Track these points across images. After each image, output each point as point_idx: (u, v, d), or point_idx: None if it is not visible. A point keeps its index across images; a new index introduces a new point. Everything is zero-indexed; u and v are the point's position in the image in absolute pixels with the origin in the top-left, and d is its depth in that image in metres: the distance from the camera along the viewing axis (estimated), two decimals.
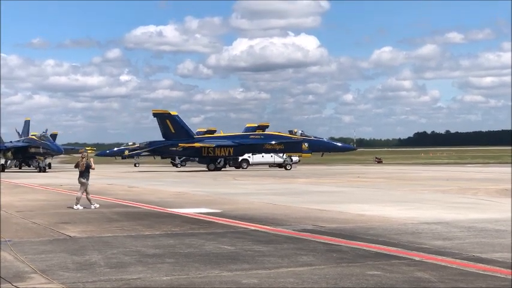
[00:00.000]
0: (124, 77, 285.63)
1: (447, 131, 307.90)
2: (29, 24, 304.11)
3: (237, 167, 72.99)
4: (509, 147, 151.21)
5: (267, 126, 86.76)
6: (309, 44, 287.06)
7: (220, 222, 18.48)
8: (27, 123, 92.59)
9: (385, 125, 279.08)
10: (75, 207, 23.20)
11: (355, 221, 18.34)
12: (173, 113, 70.08)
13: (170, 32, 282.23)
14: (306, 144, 67.68)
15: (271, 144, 67.97)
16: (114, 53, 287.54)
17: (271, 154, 72.58)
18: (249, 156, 73.51)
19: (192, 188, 35.88)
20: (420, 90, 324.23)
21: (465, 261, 11.75)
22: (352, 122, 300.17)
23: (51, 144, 69.80)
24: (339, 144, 74.15)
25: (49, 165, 75.92)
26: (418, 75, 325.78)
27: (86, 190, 23.81)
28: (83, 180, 24.00)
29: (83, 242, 14.64)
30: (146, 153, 77.17)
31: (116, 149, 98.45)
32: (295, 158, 74.49)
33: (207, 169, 67.87)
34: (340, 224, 17.58)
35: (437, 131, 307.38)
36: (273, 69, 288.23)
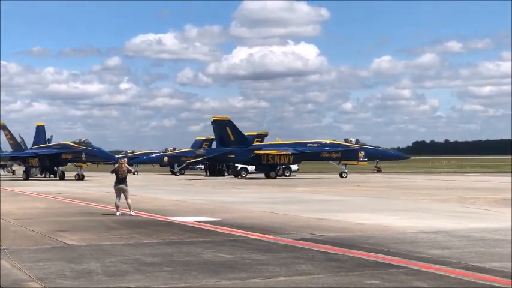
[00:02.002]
0: (124, 85, 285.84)
1: (446, 140, 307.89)
2: (29, 32, 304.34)
3: (235, 175, 72.93)
4: (509, 157, 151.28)
5: (266, 135, 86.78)
6: (309, 53, 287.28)
7: (218, 230, 18.45)
8: (41, 130, 79.81)
9: (385, 133, 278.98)
10: (117, 213, 23.46)
11: (353, 230, 18.31)
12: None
13: (170, 40, 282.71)
14: (363, 153, 67.98)
15: (329, 152, 68.10)
16: (113, 61, 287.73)
17: None
18: (248, 165, 73.46)
19: (190, 196, 35.85)
20: (419, 99, 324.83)
21: (464, 270, 11.72)
22: (352, 130, 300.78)
23: (96, 150, 66.48)
24: (393, 152, 74.67)
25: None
26: (418, 84, 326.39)
27: (126, 195, 23.95)
28: (125, 187, 24.11)
29: (81, 250, 14.61)
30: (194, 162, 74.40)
31: (154, 155, 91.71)
32: (294, 167, 74.54)
33: (265, 177, 66.76)
34: (339, 233, 17.55)
35: (436, 140, 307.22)
36: (273, 77, 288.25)
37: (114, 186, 24.40)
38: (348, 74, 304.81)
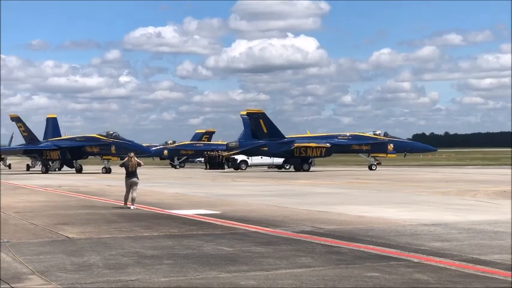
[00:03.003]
0: (123, 78, 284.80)
1: (446, 133, 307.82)
2: (29, 25, 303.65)
3: (235, 168, 72.96)
4: (509, 149, 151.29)
5: None
6: (309, 46, 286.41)
7: (219, 223, 18.47)
8: (52, 121, 76.11)
9: (384, 126, 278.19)
10: (132, 207, 23.32)
11: (354, 223, 18.33)
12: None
13: (169, 33, 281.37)
14: (392, 145, 68.02)
15: (359, 145, 68.08)
16: (113, 54, 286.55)
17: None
18: (248, 158, 73.48)
19: (190, 189, 35.87)
20: (419, 91, 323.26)
21: (464, 262, 11.74)
22: (351, 123, 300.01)
23: (129, 143, 63.99)
24: (421, 145, 74.61)
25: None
26: (417, 77, 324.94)
27: (134, 189, 23.79)
28: (136, 180, 24.00)
29: (81, 243, 14.63)
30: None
31: (154, 148, 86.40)
32: None
33: (294, 170, 66.63)
34: (339, 226, 17.57)
35: (436, 132, 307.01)
36: (272, 70, 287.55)
37: (125, 180, 24.18)
38: (348, 66, 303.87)
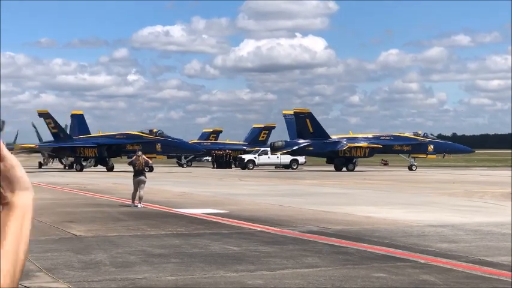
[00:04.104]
0: (131, 77, 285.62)
1: (454, 134, 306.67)
2: (37, 23, 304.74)
3: (242, 168, 72.97)
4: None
5: (273, 127, 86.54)
6: (317, 46, 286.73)
7: (226, 222, 18.48)
8: (77, 118, 72.59)
9: (392, 127, 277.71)
10: (139, 205, 23.33)
11: (361, 223, 18.31)
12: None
13: (177, 32, 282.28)
14: (432, 146, 68.48)
15: (401, 145, 68.43)
16: (121, 52, 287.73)
17: (278, 155, 72.59)
18: (255, 157, 73.48)
19: (197, 188, 35.88)
20: (427, 92, 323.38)
21: (471, 264, 11.72)
22: (359, 123, 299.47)
23: (178, 141, 63.19)
24: (459, 146, 74.92)
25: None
26: (425, 77, 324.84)
27: (141, 187, 23.73)
28: (144, 179, 23.93)
29: (88, 241, 14.66)
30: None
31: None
32: (301, 159, 74.53)
33: (334, 169, 66.40)
34: (346, 226, 17.55)
35: (443, 133, 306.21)
36: (280, 70, 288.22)
37: (133, 178, 24.17)
38: (355, 67, 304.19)
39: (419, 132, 70.09)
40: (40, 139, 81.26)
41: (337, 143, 67.26)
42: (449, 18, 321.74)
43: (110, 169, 65.65)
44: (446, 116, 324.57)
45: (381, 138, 69.32)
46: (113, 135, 67.74)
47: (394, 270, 11.07)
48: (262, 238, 15.15)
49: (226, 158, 77.26)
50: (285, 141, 69.43)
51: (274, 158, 73.46)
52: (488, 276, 10.70)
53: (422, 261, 12.03)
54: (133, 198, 23.88)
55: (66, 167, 69.34)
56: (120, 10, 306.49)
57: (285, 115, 71.58)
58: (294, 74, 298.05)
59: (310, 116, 68.40)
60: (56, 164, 76.89)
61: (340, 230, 16.60)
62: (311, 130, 67.27)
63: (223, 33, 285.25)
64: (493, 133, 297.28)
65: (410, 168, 66.87)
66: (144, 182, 23.94)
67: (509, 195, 29.74)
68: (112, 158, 68.13)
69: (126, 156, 76.13)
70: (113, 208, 23.20)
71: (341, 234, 15.84)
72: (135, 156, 24.67)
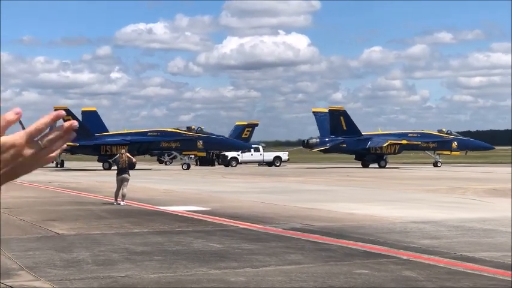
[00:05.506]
0: (114, 74, 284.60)
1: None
2: (20, 21, 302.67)
3: (226, 165, 72.91)
4: (499, 147, 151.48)
5: (256, 125, 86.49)
6: (300, 43, 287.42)
7: (209, 220, 18.46)
8: (89, 115, 66.80)
9: (375, 124, 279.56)
10: (122, 203, 23.23)
11: (344, 220, 18.35)
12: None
13: (160, 29, 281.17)
14: (456, 143, 69.42)
15: (427, 142, 69.39)
16: (104, 50, 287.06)
17: (260, 152, 72.76)
18: (238, 154, 73.47)
19: (181, 185, 35.82)
20: (410, 89, 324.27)
21: (453, 260, 11.78)
22: None
23: (221, 138, 62.81)
24: (480, 143, 75.54)
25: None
26: (408, 74, 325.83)
27: (124, 185, 23.64)
28: (127, 177, 23.84)
29: (70, 240, 14.59)
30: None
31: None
32: (284, 157, 74.74)
33: (362, 166, 66.56)
34: (329, 223, 17.59)
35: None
36: (263, 67, 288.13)
37: (116, 176, 24.12)
38: (339, 64, 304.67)
39: (444, 130, 71.36)
40: None
41: (367, 140, 68.07)
42: (432, 15, 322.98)
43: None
44: (429, 113, 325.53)
45: (409, 135, 70.38)
46: (144, 132, 65.24)
47: (376, 266, 11.10)
48: (246, 235, 15.15)
49: (209, 156, 77.13)
50: (319, 139, 69.50)
51: (257, 156, 73.59)
52: (470, 271, 10.75)
53: (404, 257, 12.07)
54: (116, 196, 23.83)
55: (105, 163, 61.74)
56: (102, 8, 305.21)
57: (315, 113, 71.88)
58: (277, 71, 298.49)
59: (344, 113, 69.08)
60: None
61: (324, 227, 16.63)
62: (344, 127, 67.92)
63: (206, 31, 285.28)
64: (475, 130, 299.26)
65: (435, 165, 67.76)
66: (127, 180, 23.90)
67: (491, 191, 29.94)
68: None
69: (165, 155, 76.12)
70: (96, 206, 23.11)
71: (324, 231, 15.86)
72: (118, 154, 24.62)
